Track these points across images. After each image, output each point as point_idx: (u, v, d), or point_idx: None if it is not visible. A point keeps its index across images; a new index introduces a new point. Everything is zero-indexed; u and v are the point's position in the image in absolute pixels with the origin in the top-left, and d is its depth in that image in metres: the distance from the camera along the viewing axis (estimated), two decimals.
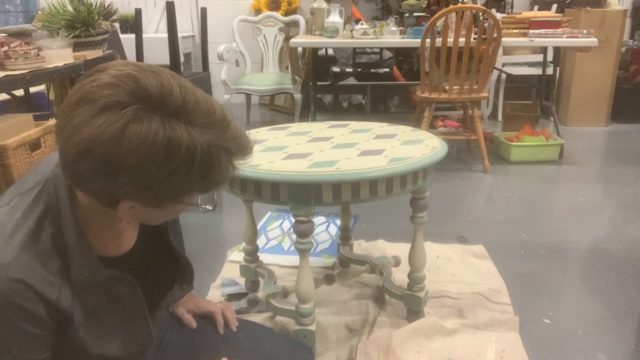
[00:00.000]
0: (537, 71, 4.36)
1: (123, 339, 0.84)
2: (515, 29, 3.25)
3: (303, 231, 1.30)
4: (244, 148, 0.72)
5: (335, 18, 3.37)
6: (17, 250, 0.70)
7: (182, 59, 4.07)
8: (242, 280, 1.79)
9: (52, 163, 0.78)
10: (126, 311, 0.85)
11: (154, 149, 0.63)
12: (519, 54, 4.45)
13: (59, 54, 2.27)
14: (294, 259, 1.96)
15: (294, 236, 1.35)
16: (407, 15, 3.47)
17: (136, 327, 0.88)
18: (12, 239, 0.70)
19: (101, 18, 2.55)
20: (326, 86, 4.60)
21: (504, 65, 4.37)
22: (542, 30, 3.17)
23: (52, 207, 0.74)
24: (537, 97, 4.33)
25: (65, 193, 0.74)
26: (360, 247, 2.16)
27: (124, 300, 0.85)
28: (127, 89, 0.63)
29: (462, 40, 2.99)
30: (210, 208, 0.79)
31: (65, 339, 0.77)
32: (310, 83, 3.86)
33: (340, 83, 4.58)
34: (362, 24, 3.46)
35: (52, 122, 2.19)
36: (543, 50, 4.06)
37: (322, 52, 4.57)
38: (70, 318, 0.76)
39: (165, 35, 2.76)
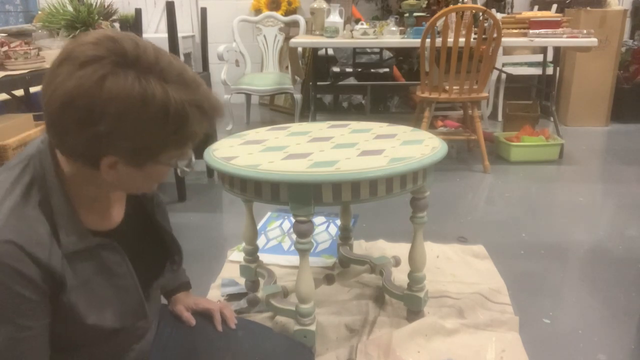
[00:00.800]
0: (537, 71, 4.36)
1: (116, 309, 0.86)
2: (515, 29, 3.25)
3: (303, 231, 1.30)
4: (214, 107, 0.77)
5: (335, 18, 3.37)
6: (6, 215, 0.72)
7: (182, 59, 4.07)
8: (242, 280, 1.79)
9: (36, 143, 0.82)
10: (116, 280, 0.86)
11: (131, 98, 0.68)
12: (519, 54, 4.45)
13: None
14: (294, 259, 1.96)
15: (294, 236, 1.35)
16: (407, 15, 3.47)
17: (128, 297, 0.89)
18: (1, 206, 0.73)
19: (101, 18, 2.55)
20: (326, 86, 4.60)
21: (504, 65, 4.37)
22: (542, 30, 3.17)
23: (39, 177, 0.77)
24: (537, 97, 4.33)
25: (50, 164, 0.78)
26: (360, 247, 2.16)
27: (113, 270, 0.86)
28: (106, 47, 0.69)
29: (462, 40, 2.99)
30: (188, 170, 0.83)
31: (60, 307, 0.78)
32: (310, 83, 3.86)
33: (340, 83, 4.58)
34: (362, 24, 3.46)
35: None
36: (543, 50, 4.06)
37: (322, 52, 4.57)
38: (62, 280, 0.77)
39: (165, 35, 2.76)
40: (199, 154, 0.96)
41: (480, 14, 3.01)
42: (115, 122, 0.69)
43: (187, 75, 0.74)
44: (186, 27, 5.20)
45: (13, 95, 2.98)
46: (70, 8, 2.48)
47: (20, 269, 0.71)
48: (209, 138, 2.86)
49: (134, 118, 0.69)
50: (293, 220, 1.30)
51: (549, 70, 3.81)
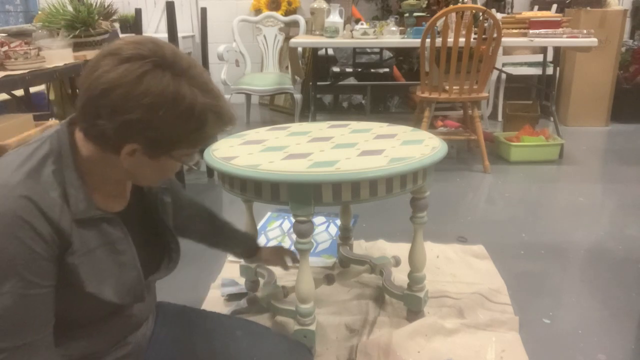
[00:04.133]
0: (537, 71, 4.36)
1: (115, 283, 0.90)
2: (515, 29, 3.25)
3: (303, 231, 1.30)
4: (230, 117, 0.87)
5: (335, 18, 3.37)
6: (23, 176, 0.79)
7: None
8: (242, 280, 1.79)
9: (55, 127, 0.88)
10: (118, 256, 0.91)
11: (165, 94, 0.77)
12: (519, 54, 4.45)
13: (59, 54, 2.26)
14: None
15: (294, 236, 1.35)
16: (407, 15, 3.47)
17: (127, 274, 0.93)
18: (19, 170, 0.80)
19: (101, 18, 2.55)
20: (326, 86, 4.60)
21: (504, 65, 4.37)
22: (542, 30, 3.17)
23: (54, 152, 0.84)
24: (537, 97, 4.33)
25: (67, 141, 0.85)
26: (360, 247, 2.16)
27: (116, 246, 0.90)
28: (148, 48, 0.79)
29: (462, 40, 2.99)
30: (196, 168, 0.92)
31: (63, 270, 0.82)
32: (310, 83, 3.86)
33: (340, 83, 4.57)
34: (362, 24, 3.46)
35: (52, 122, 2.19)
36: (543, 50, 4.06)
37: (322, 52, 4.57)
38: (69, 241, 0.82)
39: (165, 35, 2.76)
40: (199, 154, 0.99)
41: (480, 14, 3.01)
42: (146, 113, 0.77)
43: (212, 85, 0.85)
44: (186, 27, 5.20)
45: (13, 95, 2.98)
46: (70, 8, 2.48)
47: (33, 223, 0.76)
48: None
49: (164, 112, 0.78)
50: (293, 220, 1.30)
51: (549, 70, 3.81)
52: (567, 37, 3.15)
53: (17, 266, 0.75)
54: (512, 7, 4.62)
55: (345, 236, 1.92)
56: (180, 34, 3.27)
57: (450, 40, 2.98)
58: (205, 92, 0.82)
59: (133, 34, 3.52)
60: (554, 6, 4.09)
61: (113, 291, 0.89)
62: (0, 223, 0.74)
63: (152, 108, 0.77)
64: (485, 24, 3.04)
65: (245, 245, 1.49)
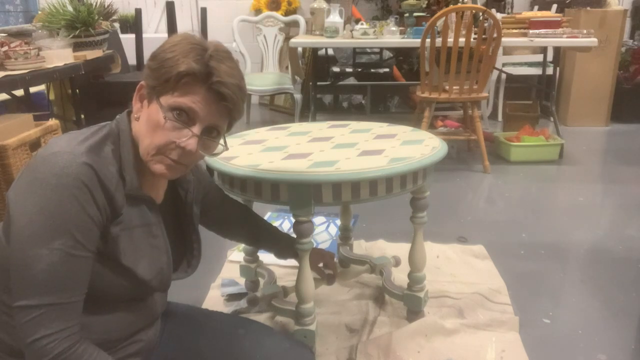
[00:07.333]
0: (537, 71, 4.36)
1: (148, 262, 0.97)
2: (515, 29, 3.25)
3: (303, 231, 1.30)
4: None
5: (335, 18, 3.37)
6: (87, 149, 0.86)
7: None
8: (242, 280, 1.79)
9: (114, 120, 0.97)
10: (152, 240, 0.98)
11: (173, 44, 0.90)
12: (519, 54, 4.45)
13: (59, 54, 2.27)
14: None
15: (294, 236, 1.35)
16: (407, 15, 3.47)
17: (159, 257, 1.00)
18: (82, 144, 0.87)
19: (101, 18, 2.56)
20: (326, 86, 4.60)
21: (504, 65, 4.37)
22: (542, 30, 3.17)
23: (114, 134, 0.92)
24: (537, 97, 4.33)
25: (126, 127, 0.93)
26: (360, 247, 2.16)
27: (152, 229, 0.98)
28: (190, 40, 0.91)
29: (462, 40, 2.99)
30: (226, 149, 0.97)
31: (105, 239, 0.88)
32: (310, 83, 3.86)
33: (340, 83, 4.58)
34: (362, 24, 3.46)
35: (52, 122, 2.19)
36: (543, 50, 4.06)
37: (322, 52, 4.57)
38: (119, 212, 0.89)
39: (165, 35, 2.76)
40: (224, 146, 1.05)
41: (480, 14, 3.01)
42: (157, 61, 0.89)
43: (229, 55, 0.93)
44: (186, 27, 5.19)
45: (13, 95, 2.98)
46: (70, 8, 2.48)
47: (92, 189, 0.83)
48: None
49: (163, 53, 0.89)
50: (293, 220, 1.30)
51: (549, 70, 3.81)
52: (567, 37, 3.15)
53: (70, 225, 0.81)
54: (512, 7, 4.62)
55: (345, 236, 1.92)
56: None
57: (450, 40, 2.98)
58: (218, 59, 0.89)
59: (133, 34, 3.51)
60: (554, 6, 4.09)
61: (145, 268, 0.95)
62: (63, 184, 0.80)
63: (161, 54, 0.88)
64: (485, 24, 3.04)
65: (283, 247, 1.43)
